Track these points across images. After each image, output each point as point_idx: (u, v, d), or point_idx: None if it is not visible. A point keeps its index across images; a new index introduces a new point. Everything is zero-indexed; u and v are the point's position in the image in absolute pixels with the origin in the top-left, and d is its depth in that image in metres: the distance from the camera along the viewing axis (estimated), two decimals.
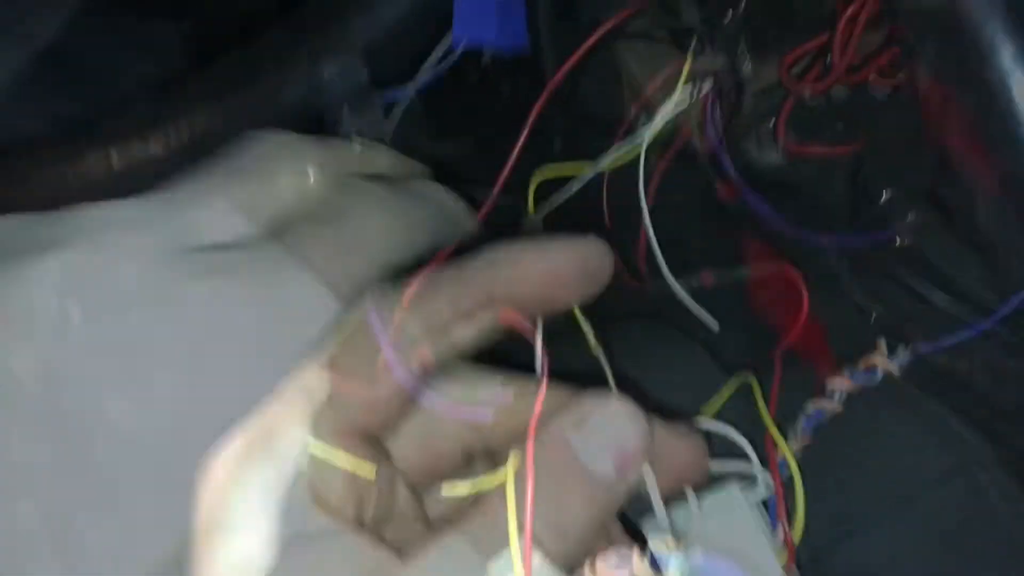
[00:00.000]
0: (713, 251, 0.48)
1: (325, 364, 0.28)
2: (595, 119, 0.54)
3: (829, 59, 0.48)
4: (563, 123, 0.54)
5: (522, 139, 0.47)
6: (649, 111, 0.51)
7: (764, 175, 0.50)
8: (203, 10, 0.65)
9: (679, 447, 0.32)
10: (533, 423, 0.27)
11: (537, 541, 0.26)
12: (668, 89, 0.51)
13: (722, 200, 0.48)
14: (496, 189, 0.44)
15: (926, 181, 0.43)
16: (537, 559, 0.26)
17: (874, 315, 0.45)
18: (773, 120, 0.51)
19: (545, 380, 0.29)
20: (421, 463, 0.31)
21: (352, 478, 0.27)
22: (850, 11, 0.46)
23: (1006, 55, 0.21)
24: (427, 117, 0.55)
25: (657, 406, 0.31)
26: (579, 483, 0.27)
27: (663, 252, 0.48)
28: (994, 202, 0.23)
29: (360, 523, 0.28)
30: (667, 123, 0.51)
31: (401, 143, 0.46)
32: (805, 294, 0.43)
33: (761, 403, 0.38)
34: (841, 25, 0.47)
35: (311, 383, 0.28)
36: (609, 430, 0.28)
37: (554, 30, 0.55)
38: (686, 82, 0.51)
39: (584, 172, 0.52)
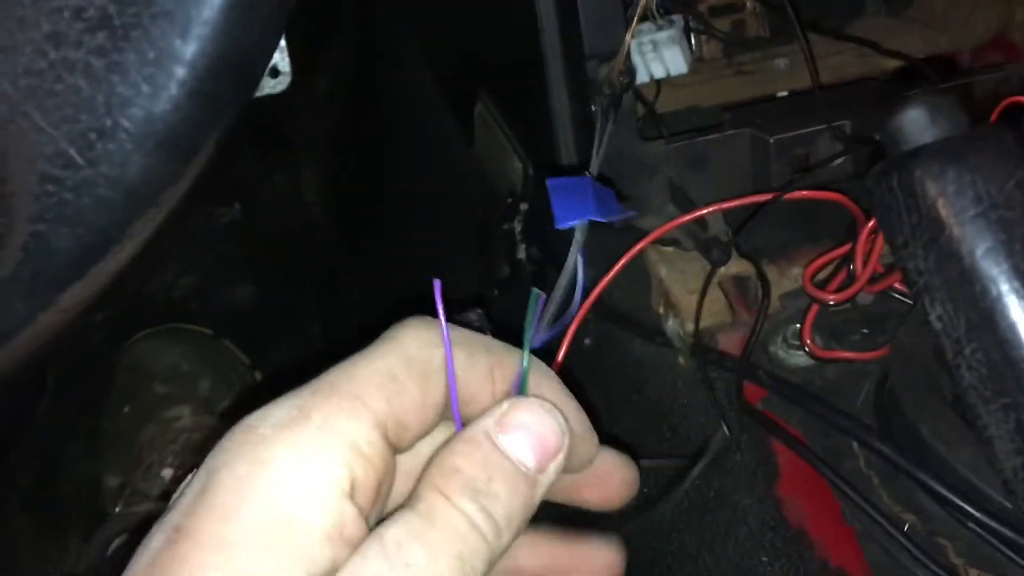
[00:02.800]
0: (736, 452, 0.48)
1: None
2: (621, 316, 0.56)
3: (852, 268, 0.50)
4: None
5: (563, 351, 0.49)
6: (676, 312, 0.53)
7: (791, 378, 0.51)
8: None
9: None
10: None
11: (471, 525, 0.27)
12: (694, 291, 0.53)
13: (748, 402, 0.49)
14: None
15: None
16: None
17: (907, 525, 0.44)
18: (799, 324, 0.52)
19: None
20: None
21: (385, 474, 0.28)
22: (872, 222, 0.48)
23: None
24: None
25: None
26: (505, 473, 0.29)
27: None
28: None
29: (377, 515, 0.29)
30: (697, 326, 0.52)
31: None
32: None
33: None
34: (863, 236, 0.49)
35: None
36: (530, 427, 0.30)
37: (588, 236, 0.57)
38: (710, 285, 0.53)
39: None
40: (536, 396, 0.31)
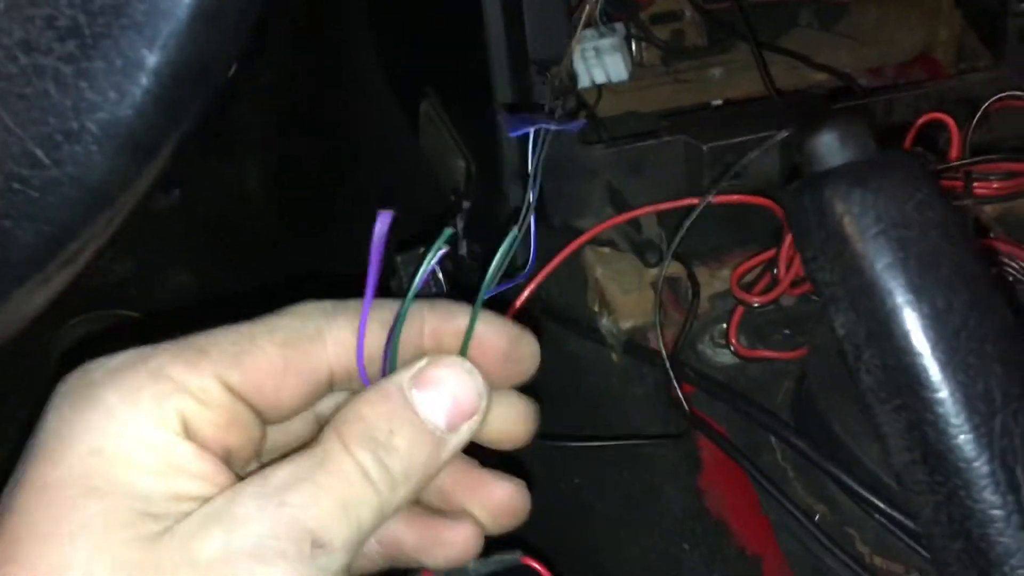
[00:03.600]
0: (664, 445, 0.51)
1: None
2: (559, 313, 0.58)
3: (776, 272, 0.53)
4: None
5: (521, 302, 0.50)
6: (610, 311, 0.55)
7: (717, 375, 0.53)
8: None
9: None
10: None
11: (363, 474, 0.27)
12: (629, 292, 0.55)
13: (676, 399, 0.51)
14: None
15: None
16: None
17: (817, 515, 0.47)
18: (725, 324, 0.55)
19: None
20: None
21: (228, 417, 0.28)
22: None
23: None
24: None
25: None
26: (410, 428, 0.28)
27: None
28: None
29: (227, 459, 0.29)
30: (631, 323, 0.55)
31: None
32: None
33: None
34: (787, 242, 0.52)
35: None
36: (446, 385, 0.29)
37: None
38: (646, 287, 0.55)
39: None
40: (460, 356, 0.30)
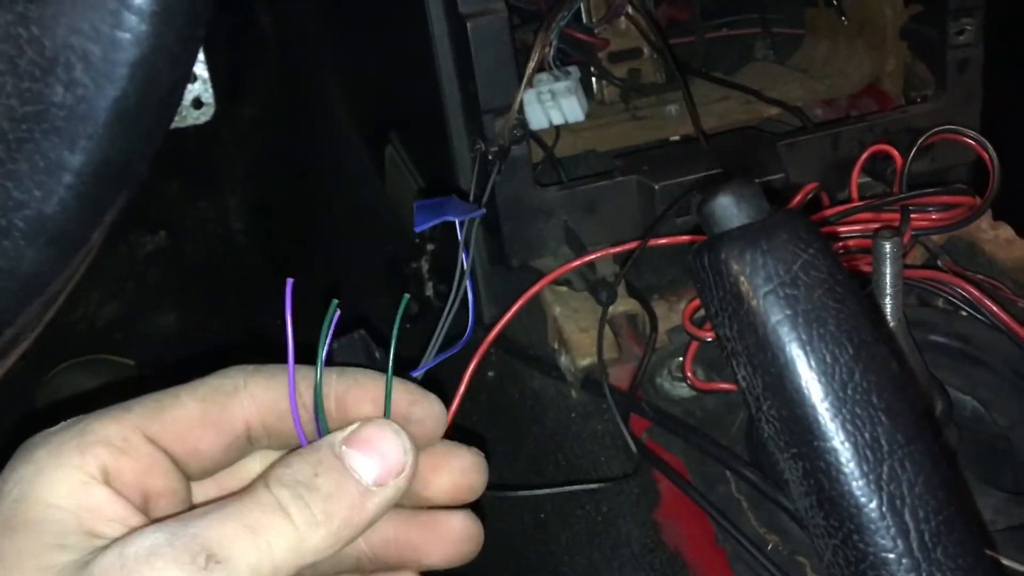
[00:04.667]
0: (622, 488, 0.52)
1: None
2: (521, 350, 0.60)
3: None
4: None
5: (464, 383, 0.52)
6: (568, 348, 0.56)
7: (674, 408, 0.55)
8: None
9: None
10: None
11: (278, 506, 0.29)
12: (586, 329, 0.57)
13: (634, 433, 0.53)
14: None
15: None
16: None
17: (770, 545, 0.48)
18: (682, 358, 0.56)
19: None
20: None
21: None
22: None
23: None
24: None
25: None
26: (335, 474, 0.30)
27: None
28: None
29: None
30: (587, 361, 0.56)
31: None
32: None
33: None
34: None
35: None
36: (373, 443, 0.31)
37: (488, 274, 0.61)
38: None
39: None
40: (389, 420, 0.33)
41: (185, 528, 0.28)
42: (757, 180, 0.58)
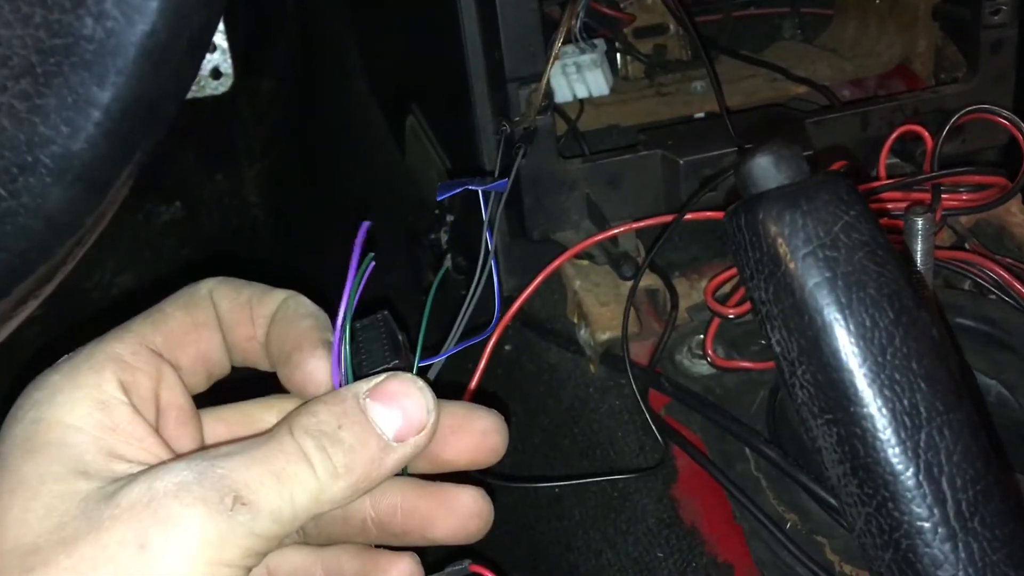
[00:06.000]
0: (639, 456, 0.52)
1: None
2: (538, 324, 0.59)
3: None
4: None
5: (485, 361, 0.52)
6: (587, 322, 0.56)
7: (693, 385, 0.54)
8: None
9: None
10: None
11: (302, 455, 0.29)
12: (607, 303, 0.56)
13: (652, 408, 0.52)
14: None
15: None
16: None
17: (788, 523, 0.48)
18: (703, 335, 0.56)
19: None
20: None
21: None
22: None
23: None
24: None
25: None
26: (358, 427, 0.30)
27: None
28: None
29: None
30: (607, 335, 0.55)
31: None
32: None
33: None
34: None
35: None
36: (398, 399, 0.31)
37: (508, 247, 0.60)
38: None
39: None
40: (414, 376, 0.32)
41: (213, 468, 0.28)
42: None
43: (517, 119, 0.54)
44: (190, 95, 0.95)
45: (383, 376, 0.32)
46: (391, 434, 0.31)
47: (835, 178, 0.28)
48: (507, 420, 0.38)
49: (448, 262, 0.65)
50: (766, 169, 0.28)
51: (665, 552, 0.48)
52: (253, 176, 1.16)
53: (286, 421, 0.30)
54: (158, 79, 0.24)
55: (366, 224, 0.33)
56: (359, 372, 0.33)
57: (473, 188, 0.46)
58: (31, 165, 0.24)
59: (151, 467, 0.28)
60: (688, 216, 0.57)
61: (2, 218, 0.24)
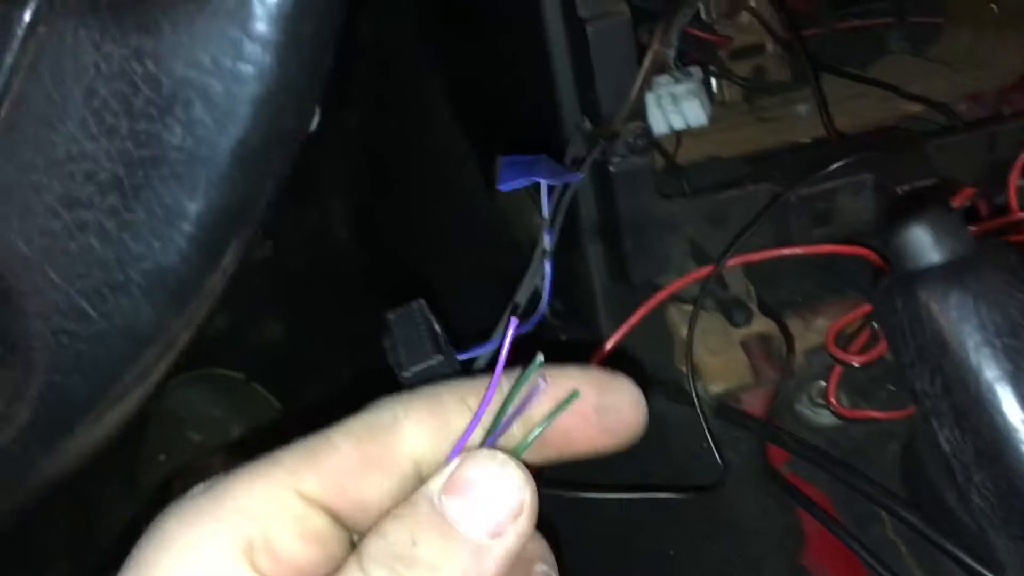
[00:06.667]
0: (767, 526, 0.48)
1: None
2: (645, 375, 0.56)
3: (876, 326, 0.49)
4: None
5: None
6: (698, 374, 0.53)
7: (816, 438, 0.50)
8: None
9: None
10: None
11: None
12: (718, 353, 0.53)
13: (773, 465, 0.49)
14: None
15: None
16: None
17: None
18: (824, 382, 0.52)
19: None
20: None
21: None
22: None
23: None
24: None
25: None
26: (438, 538, 0.26)
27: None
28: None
29: None
30: (721, 387, 0.52)
31: None
32: None
33: None
34: None
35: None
36: (478, 486, 0.26)
37: (608, 292, 0.58)
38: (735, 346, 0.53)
39: None
40: (495, 448, 0.27)
41: None
42: (904, 187, 0.54)
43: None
44: None
45: (453, 463, 0.27)
46: (483, 532, 0.26)
47: (1001, 248, 0.24)
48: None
49: (545, 307, 0.62)
50: (924, 241, 0.25)
51: None
52: (341, 210, 1.15)
53: (355, 551, 0.26)
54: (251, 184, 0.22)
55: (515, 322, 0.29)
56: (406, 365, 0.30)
57: (539, 180, 0.42)
58: (122, 284, 0.22)
59: None
60: (794, 251, 0.53)
61: (93, 340, 0.22)
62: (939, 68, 0.66)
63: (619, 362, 0.54)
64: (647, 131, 0.52)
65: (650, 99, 0.59)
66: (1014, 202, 0.53)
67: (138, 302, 0.22)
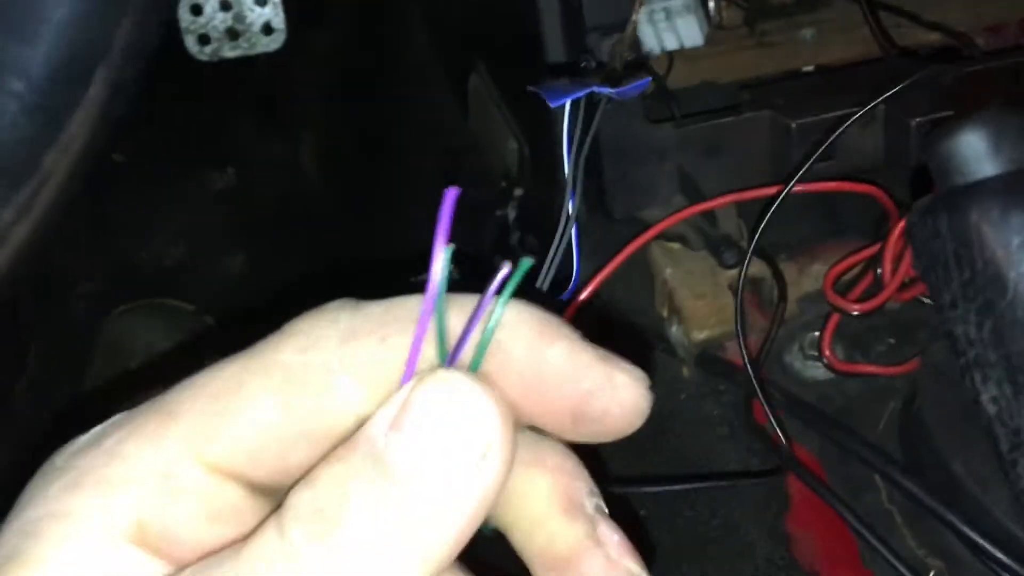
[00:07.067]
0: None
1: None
2: (620, 317, 0.51)
3: (880, 272, 0.45)
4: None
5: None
6: (680, 318, 0.48)
7: (807, 393, 0.46)
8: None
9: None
10: None
11: (289, 556, 0.19)
12: (703, 296, 0.48)
13: (758, 421, 0.44)
14: None
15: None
16: None
17: (932, 572, 0.39)
18: (818, 332, 0.47)
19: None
20: None
21: None
22: (903, 222, 0.43)
23: None
24: None
25: None
26: (371, 489, 0.20)
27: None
28: None
29: None
30: (704, 334, 0.47)
31: None
32: None
33: None
34: (894, 235, 0.44)
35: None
36: (433, 416, 0.20)
37: (585, 224, 0.52)
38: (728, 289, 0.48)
39: None
40: (454, 369, 0.21)
41: None
42: (919, 120, 0.49)
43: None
44: (240, 53, 0.89)
45: (403, 391, 0.20)
46: (439, 481, 0.20)
47: None
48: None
49: (515, 240, 0.57)
50: (979, 149, 0.19)
51: None
52: (308, 139, 1.10)
53: (280, 504, 0.20)
54: (102, 24, 0.16)
55: (454, 191, 0.22)
56: None
57: (604, 92, 0.38)
58: None
59: None
60: (798, 188, 0.48)
61: None
62: None
63: (592, 306, 0.49)
64: (637, 44, 0.47)
65: (642, 14, 0.53)
66: None
67: None
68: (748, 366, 0.42)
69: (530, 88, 0.33)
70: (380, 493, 0.20)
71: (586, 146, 0.36)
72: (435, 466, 0.20)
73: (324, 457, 0.21)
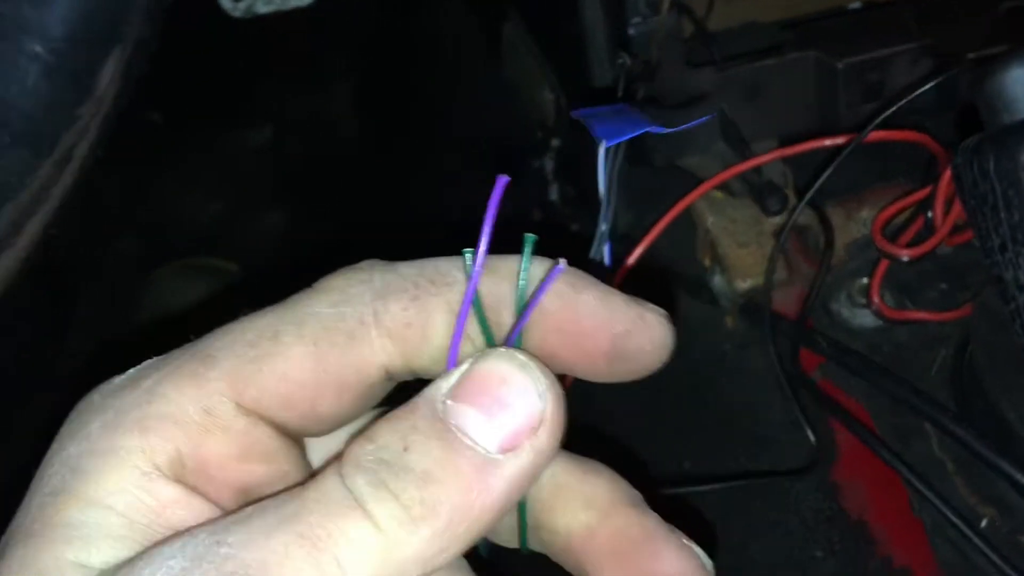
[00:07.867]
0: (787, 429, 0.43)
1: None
2: (663, 266, 0.50)
3: (931, 216, 0.43)
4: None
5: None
6: (723, 267, 0.47)
7: (855, 342, 0.45)
8: None
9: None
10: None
11: (356, 508, 0.20)
12: (747, 245, 0.47)
13: (804, 371, 0.43)
14: None
15: None
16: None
17: (984, 520, 0.38)
18: (867, 278, 0.46)
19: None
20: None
21: None
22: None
23: None
24: None
25: None
26: (436, 444, 0.21)
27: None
28: None
29: None
30: (748, 283, 0.46)
31: None
32: None
33: None
34: (945, 179, 0.42)
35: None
36: (494, 390, 0.22)
37: (625, 174, 0.51)
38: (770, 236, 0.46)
39: None
40: (517, 349, 0.22)
41: (215, 547, 0.19)
42: (970, 56, 0.47)
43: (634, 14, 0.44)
44: (273, 8, 0.88)
45: (465, 363, 0.22)
46: (493, 445, 0.21)
47: None
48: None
49: (554, 194, 0.56)
50: None
51: (825, 551, 0.39)
52: (343, 93, 1.09)
53: (336, 457, 0.21)
54: None
55: (504, 179, 0.23)
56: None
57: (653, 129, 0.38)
58: None
59: (132, 559, 0.20)
60: (843, 140, 0.46)
61: None
62: None
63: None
64: None
65: None
66: None
67: None
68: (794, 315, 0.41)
69: (574, 114, 0.32)
70: (440, 447, 0.21)
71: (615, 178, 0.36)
72: (491, 434, 0.21)
73: (384, 415, 0.22)
